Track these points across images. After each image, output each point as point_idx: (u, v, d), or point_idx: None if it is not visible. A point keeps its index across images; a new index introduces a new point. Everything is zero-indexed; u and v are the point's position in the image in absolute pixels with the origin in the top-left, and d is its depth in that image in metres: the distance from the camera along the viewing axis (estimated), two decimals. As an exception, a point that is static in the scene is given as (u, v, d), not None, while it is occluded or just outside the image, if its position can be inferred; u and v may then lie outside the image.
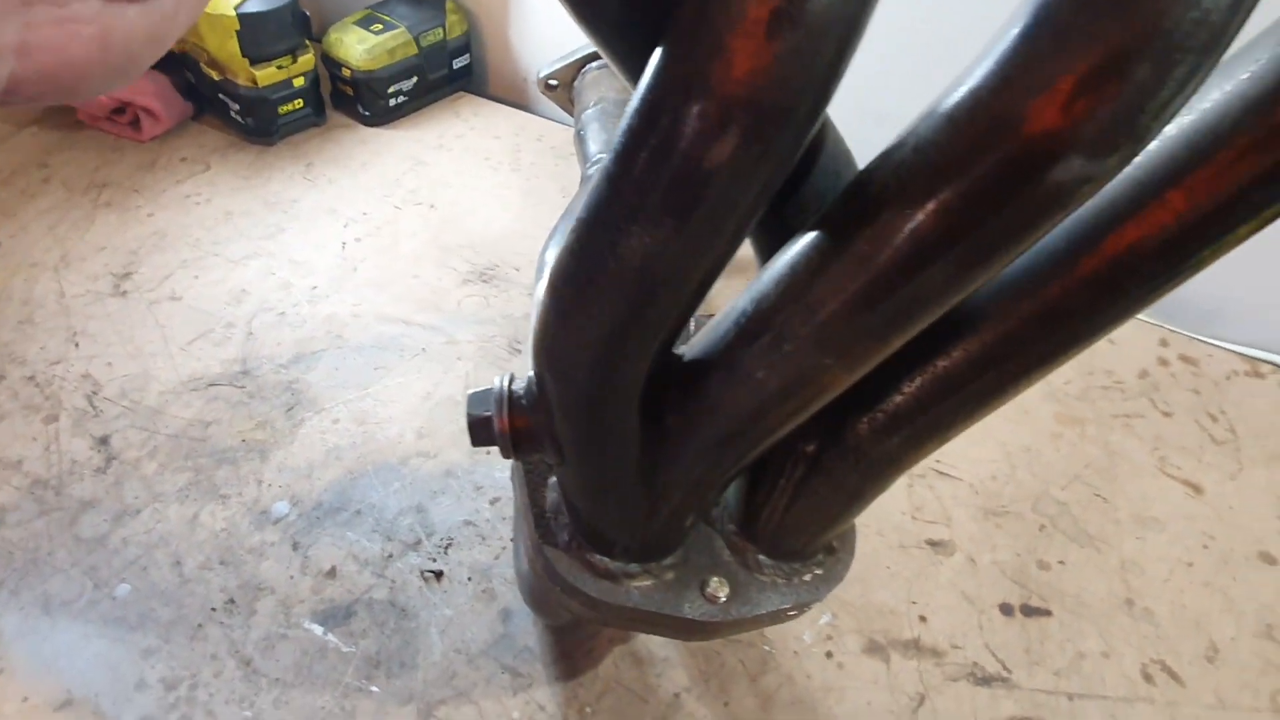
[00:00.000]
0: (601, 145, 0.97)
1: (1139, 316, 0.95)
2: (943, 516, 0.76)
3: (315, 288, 0.96)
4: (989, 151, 0.28)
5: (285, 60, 1.10)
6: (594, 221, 0.33)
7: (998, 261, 0.31)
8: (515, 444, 0.42)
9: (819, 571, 0.50)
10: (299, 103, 1.14)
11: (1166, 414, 0.86)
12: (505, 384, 0.43)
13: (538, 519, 0.48)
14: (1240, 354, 0.92)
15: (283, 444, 0.80)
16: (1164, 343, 0.93)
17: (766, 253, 0.43)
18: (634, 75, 0.35)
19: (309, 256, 1.00)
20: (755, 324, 0.36)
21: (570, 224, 0.35)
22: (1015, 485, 0.79)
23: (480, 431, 0.42)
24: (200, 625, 0.67)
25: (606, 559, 0.47)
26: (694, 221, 0.31)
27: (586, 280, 0.34)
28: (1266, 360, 0.91)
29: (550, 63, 1.00)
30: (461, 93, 1.29)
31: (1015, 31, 0.27)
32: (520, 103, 1.29)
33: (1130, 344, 0.93)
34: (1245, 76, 0.33)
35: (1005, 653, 0.67)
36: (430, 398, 0.85)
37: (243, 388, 0.85)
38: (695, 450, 0.41)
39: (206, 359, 0.88)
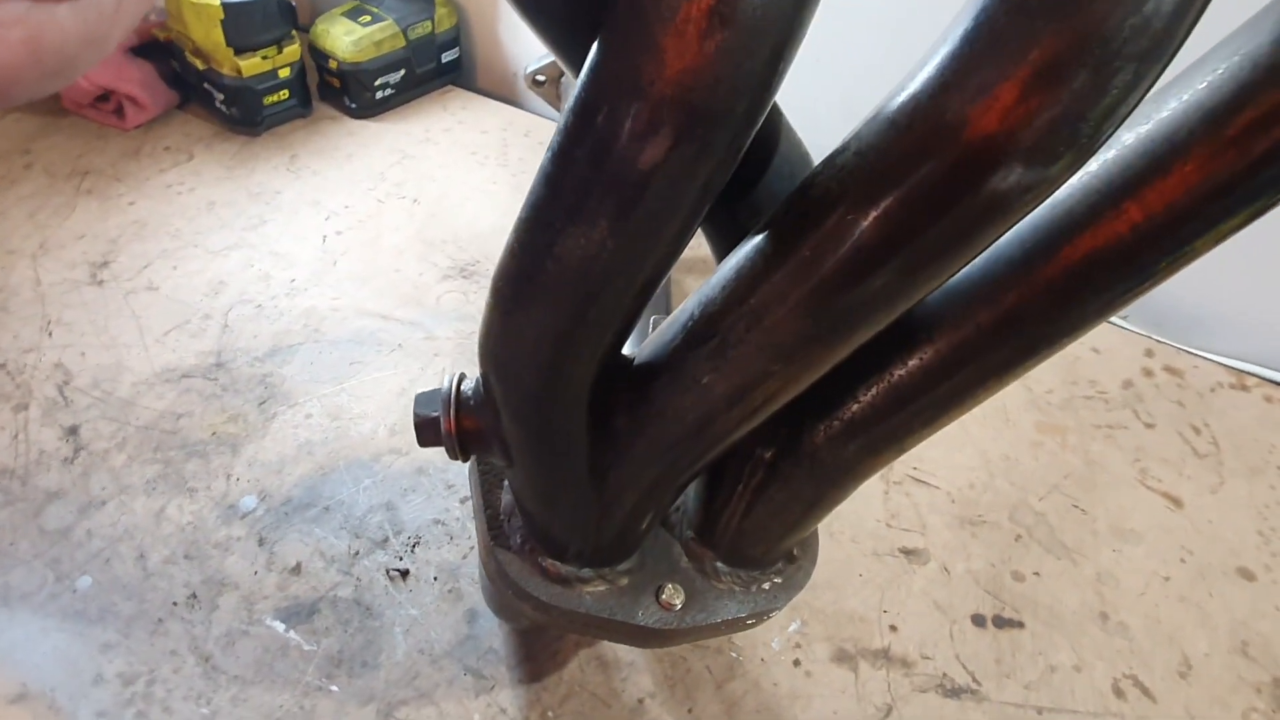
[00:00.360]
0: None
1: (1124, 325, 0.94)
2: (918, 524, 0.75)
3: (294, 280, 0.95)
4: (928, 157, 0.27)
5: (270, 51, 1.09)
6: (532, 221, 0.33)
7: (943, 269, 0.31)
8: (462, 445, 0.41)
9: (778, 580, 0.49)
10: (284, 94, 1.13)
11: (1149, 425, 0.85)
12: (453, 384, 0.42)
13: (491, 521, 0.47)
14: (1226, 366, 0.91)
15: (254, 438, 0.80)
16: (1149, 353, 0.92)
17: (721, 254, 0.42)
18: (577, 70, 0.35)
19: (290, 248, 0.99)
20: (701, 328, 0.35)
21: (512, 227, 0.35)
22: (993, 494, 0.78)
23: (427, 432, 0.41)
24: (161, 620, 0.66)
25: (559, 563, 0.46)
26: (631, 223, 0.30)
27: (526, 280, 0.34)
28: (1252, 373, 0.90)
29: (538, 58, 0.99)
30: (450, 86, 1.28)
31: (955, 35, 0.27)
32: (509, 98, 1.28)
33: (1115, 353, 0.92)
34: (1202, 86, 0.32)
35: (976, 664, 0.66)
36: (405, 394, 0.84)
37: (216, 380, 0.84)
38: (645, 453, 0.40)
39: (181, 350, 0.87)
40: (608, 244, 0.31)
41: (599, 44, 0.28)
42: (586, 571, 0.46)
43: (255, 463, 0.78)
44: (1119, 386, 0.89)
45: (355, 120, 1.19)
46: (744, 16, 0.26)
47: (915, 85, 0.28)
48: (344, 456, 0.79)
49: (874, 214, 0.29)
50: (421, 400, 0.42)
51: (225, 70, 1.08)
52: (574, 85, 0.30)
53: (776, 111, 0.39)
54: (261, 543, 0.72)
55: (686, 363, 0.36)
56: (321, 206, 1.05)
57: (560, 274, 0.32)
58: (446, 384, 0.42)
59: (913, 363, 0.39)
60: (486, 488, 0.48)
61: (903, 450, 0.43)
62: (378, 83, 1.17)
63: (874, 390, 0.41)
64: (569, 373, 0.36)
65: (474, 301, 0.94)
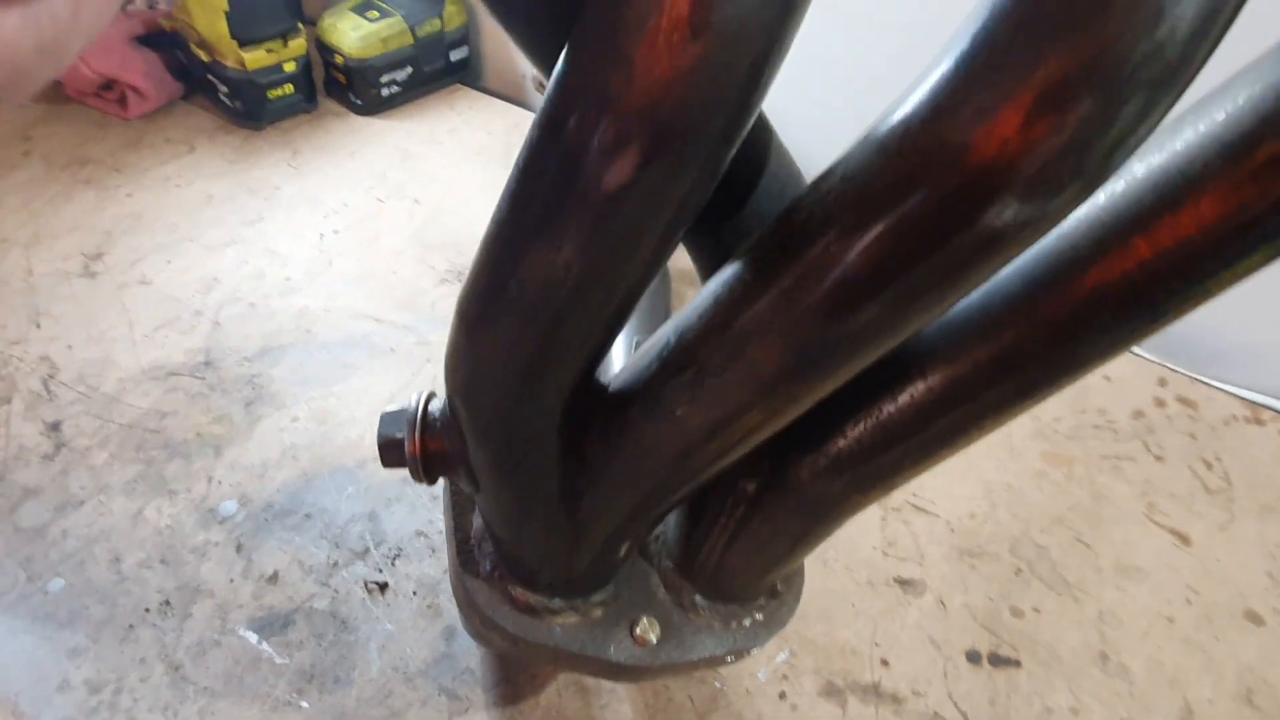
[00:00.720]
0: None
1: (1137, 353, 0.91)
2: (915, 554, 0.73)
3: (289, 279, 0.94)
4: (920, 186, 0.25)
5: (276, 44, 1.08)
6: (497, 239, 0.31)
7: (934, 305, 0.28)
8: (427, 468, 0.39)
9: (759, 616, 0.47)
10: (289, 88, 1.12)
11: (1159, 458, 0.82)
12: (420, 403, 0.40)
13: (460, 546, 0.45)
14: (1241, 398, 0.88)
15: (238, 440, 0.78)
16: (1162, 382, 0.90)
17: (706, 275, 0.40)
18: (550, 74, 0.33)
19: (286, 246, 0.98)
20: (677, 356, 0.33)
21: (478, 246, 0.33)
22: (994, 525, 0.76)
23: (390, 453, 0.39)
24: (132, 626, 0.64)
25: (529, 592, 0.44)
26: (599, 245, 0.28)
27: (491, 301, 0.32)
28: (1268, 406, 0.87)
29: (545, 60, 0.97)
30: (458, 85, 1.26)
31: (952, 54, 0.24)
32: (517, 99, 1.27)
33: (1126, 382, 0.89)
34: (1221, 118, 0.30)
35: (968, 704, 0.64)
36: (396, 399, 0.82)
37: (203, 379, 0.83)
38: (619, 483, 0.38)
39: (170, 347, 0.86)
40: (574, 266, 0.29)
41: (566, 53, 0.26)
42: (557, 601, 0.44)
43: (238, 466, 0.76)
44: (1129, 416, 0.86)
45: (360, 117, 1.18)
46: (720, 27, 0.23)
47: (908, 107, 0.25)
48: (329, 462, 0.77)
49: (860, 244, 0.27)
50: (387, 420, 0.40)
51: (229, 63, 1.07)
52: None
53: (765, 127, 0.37)
54: (239, 549, 0.70)
55: (662, 392, 0.34)
56: (321, 204, 1.04)
57: (525, 296, 0.30)
58: (413, 403, 0.40)
59: (904, 399, 0.37)
60: (458, 510, 0.46)
61: (892, 488, 0.41)
62: (383, 80, 1.16)
63: (862, 426, 0.38)
64: (537, 398, 0.34)
65: (470, 307, 0.92)
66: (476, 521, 0.46)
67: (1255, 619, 0.70)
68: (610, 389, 0.37)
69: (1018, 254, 0.27)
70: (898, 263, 0.27)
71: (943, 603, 0.70)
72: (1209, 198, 0.30)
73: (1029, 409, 0.37)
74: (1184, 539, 0.76)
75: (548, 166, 0.27)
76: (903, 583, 0.71)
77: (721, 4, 0.23)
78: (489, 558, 0.44)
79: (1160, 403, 0.88)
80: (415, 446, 0.39)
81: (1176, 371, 0.91)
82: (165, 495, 0.73)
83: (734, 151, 0.27)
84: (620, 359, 0.73)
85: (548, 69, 0.32)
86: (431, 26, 1.17)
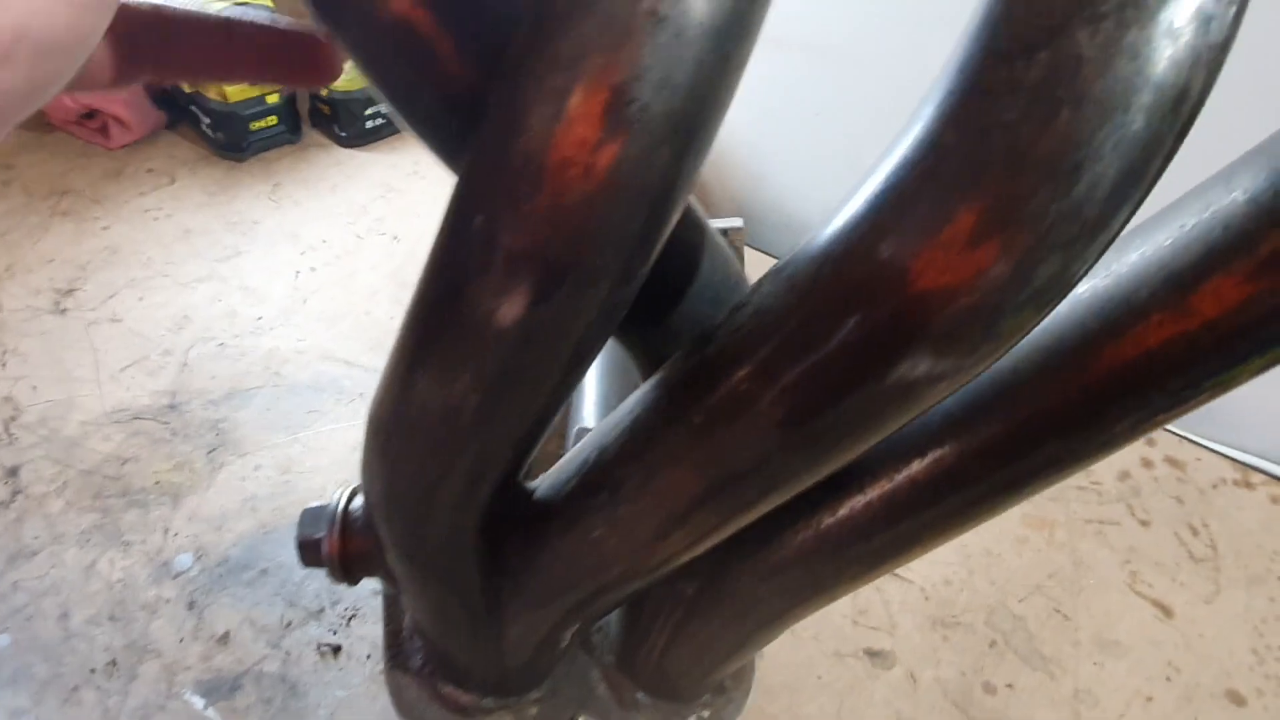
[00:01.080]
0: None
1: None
2: (887, 623, 0.71)
3: (261, 318, 0.92)
4: (828, 335, 0.23)
5: (259, 77, 1.07)
6: (398, 357, 0.29)
7: (848, 451, 0.26)
8: (346, 569, 0.38)
9: (705, 714, 0.45)
10: (273, 119, 1.11)
11: (1144, 523, 0.80)
12: (342, 502, 0.38)
13: (390, 639, 0.43)
14: (1232, 459, 0.86)
15: (198, 489, 0.76)
16: (1150, 441, 0.87)
17: (645, 374, 0.39)
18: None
19: (261, 284, 0.96)
20: (595, 476, 0.31)
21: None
22: (970, 593, 0.73)
23: (308, 553, 0.38)
24: (76, 688, 0.63)
25: (460, 691, 0.42)
26: (494, 381, 0.26)
27: (396, 418, 0.30)
28: (1259, 468, 0.85)
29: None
30: (447, 117, 1.25)
31: (861, 200, 0.23)
32: (507, 131, 1.25)
33: (1114, 439, 0.87)
34: (1167, 243, 0.28)
35: (935, 787, 0.62)
36: (360, 449, 0.81)
37: (167, 424, 0.81)
38: (541, 595, 0.36)
39: (136, 389, 0.84)
40: (470, 399, 0.27)
41: (457, 184, 0.25)
42: (489, 701, 0.42)
43: (196, 516, 0.74)
44: (1115, 478, 0.84)
45: (344, 149, 1.17)
46: (611, 171, 0.22)
47: (820, 243, 0.24)
48: (289, 514, 0.75)
49: (768, 388, 0.25)
50: (307, 518, 0.38)
51: (211, 94, 1.06)
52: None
53: (697, 227, 0.35)
54: (191, 606, 0.68)
55: (579, 512, 0.32)
56: (299, 240, 1.02)
57: (425, 422, 0.28)
58: (334, 500, 0.38)
59: (842, 512, 0.35)
60: (389, 601, 0.44)
61: (835, 598, 0.39)
62: (369, 112, 1.14)
63: (802, 536, 0.36)
64: (448, 513, 0.32)
65: (443, 350, 0.91)
66: (409, 614, 0.44)
67: (1237, 699, 0.68)
68: (534, 496, 0.35)
69: (936, 403, 0.25)
70: (806, 410, 0.25)
71: (913, 676, 0.67)
72: (1153, 328, 0.28)
73: (981, 523, 0.35)
74: (1167, 611, 0.73)
75: (439, 297, 0.25)
76: (872, 654, 0.69)
77: (612, 147, 0.21)
78: (419, 653, 0.43)
79: (1148, 463, 0.85)
80: (334, 547, 0.37)
81: (1166, 430, 0.88)
82: (120, 547, 0.72)
83: (636, 288, 0.25)
84: (590, 411, 0.71)
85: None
86: None
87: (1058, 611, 0.72)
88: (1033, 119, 0.20)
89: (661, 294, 0.34)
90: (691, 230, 0.34)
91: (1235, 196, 0.27)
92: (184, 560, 0.71)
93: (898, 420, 0.25)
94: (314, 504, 0.39)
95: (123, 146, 1.12)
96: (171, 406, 0.83)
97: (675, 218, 0.24)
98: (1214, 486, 0.83)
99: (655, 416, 0.29)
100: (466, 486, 0.31)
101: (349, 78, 1.05)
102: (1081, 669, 0.69)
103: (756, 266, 0.96)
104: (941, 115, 0.21)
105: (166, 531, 0.73)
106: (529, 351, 0.25)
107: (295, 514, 0.73)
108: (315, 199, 1.08)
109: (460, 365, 0.26)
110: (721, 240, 0.36)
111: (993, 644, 0.70)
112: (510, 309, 0.24)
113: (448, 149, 0.30)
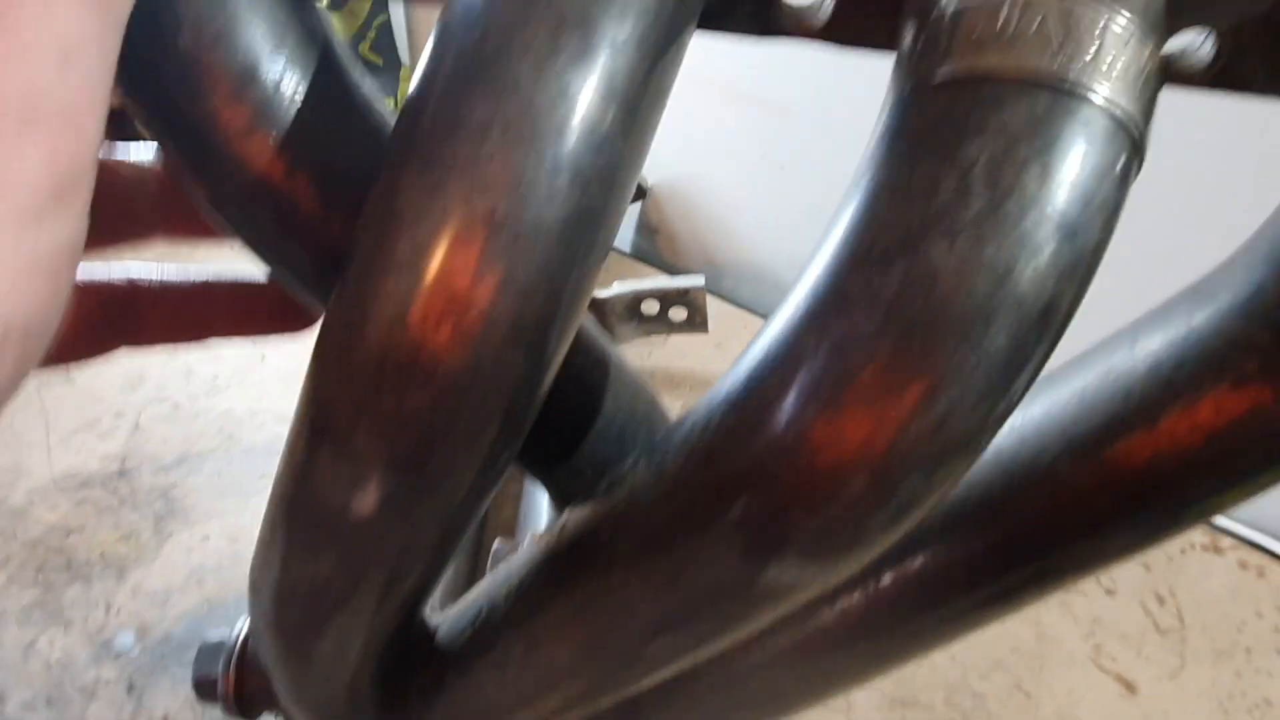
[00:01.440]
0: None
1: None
2: (842, 704, 0.69)
3: (217, 377, 0.91)
4: (690, 533, 0.22)
5: (222, 127, 1.06)
6: (265, 525, 0.28)
7: (718, 641, 0.25)
8: (242, 708, 0.36)
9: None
10: (238, 169, 1.10)
11: (1110, 591, 0.79)
12: (239, 635, 0.37)
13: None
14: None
15: (145, 561, 0.75)
16: (1118, 503, 0.86)
17: (554, 504, 0.37)
18: None
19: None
20: (486, 634, 0.30)
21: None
22: (930, 669, 0.72)
23: (205, 691, 0.36)
24: (6, 779, 0.61)
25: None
26: (360, 563, 0.25)
27: (266, 585, 0.29)
28: (1228, 531, 0.84)
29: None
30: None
31: (724, 395, 0.22)
32: (477, 176, 1.24)
33: (1081, 501, 0.86)
34: (1072, 403, 0.27)
35: None
36: (312, 516, 0.79)
37: (116, 491, 0.80)
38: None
39: (85, 454, 0.83)
40: (336, 579, 0.26)
41: (311, 360, 0.24)
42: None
43: (140, 591, 0.73)
44: (1081, 543, 0.82)
45: (311, 197, 1.16)
46: (458, 378, 0.21)
47: (684, 433, 0.23)
48: (235, 587, 0.74)
49: (633, 579, 0.24)
50: (204, 654, 0.37)
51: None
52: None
53: (599, 366, 0.34)
54: (130, 689, 0.66)
55: (472, 664, 0.31)
56: (261, 293, 1.01)
57: (292, 594, 0.27)
58: (233, 633, 0.37)
59: (754, 653, 0.34)
60: None
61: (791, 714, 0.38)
62: (336, 160, 1.13)
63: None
64: (334, 671, 0.31)
65: (402, 411, 0.89)
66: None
67: (1202, 783, 0.66)
68: (436, 637, 0.34)
69: (809, 598, 0.24)
70: (668, 607, 0.24)
71: (870, 760, 0.66)
72: (1056, 497, 0.27)
73: (891, 670, 0.34)
74: (1130, 687, 0.72)
75: (288, 478, 0.24)
76: (829, 738, 0.67)
77: (457, 354, 0.20)
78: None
79: (1115, 528, 0.84)
80: (230, 685, 0.36)
81: (1134, 491, 0.87)
82: (61, 625, 0.70)
83: (506, 462, 0.24)
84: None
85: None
86: (386, 105, 1.15)
87: (1019, 689, 0.71)
88: (889, 335, 0.19)
89: (561, 436, 0.32)
90: (595, 369, 0.33)
91: (1135, 365, 0.26)
92: (125, 639, 0.69)
93: (769, 617, 0.24)
94: (212, 637, 0.37)
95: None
96: (121, 473, 0.81)
97: (536, 408, 0.23)
98: (1182, 552, 0.82)
99: (540, 587, 0.27)
100: (350, 648, 0.30)
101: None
102: (1042, 751, 0.67)
103: (723, 319, 0.94)
104: (797, 321, 0.20)
105: (109, 608, 0.71)
106: (390, 538, 0.24)
107: (242, 588, 0.72)
108: (279, 250, 1.07)
109: (321, 549, 0.25)
110: (630, 371, 0.35)
111: (952, 724, 0.68)
112: (363, 503, 0.23)
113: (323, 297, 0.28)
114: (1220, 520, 0.84)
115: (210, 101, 0.24)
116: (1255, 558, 0.81)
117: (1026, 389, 0.20)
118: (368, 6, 1.07)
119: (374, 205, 0.21)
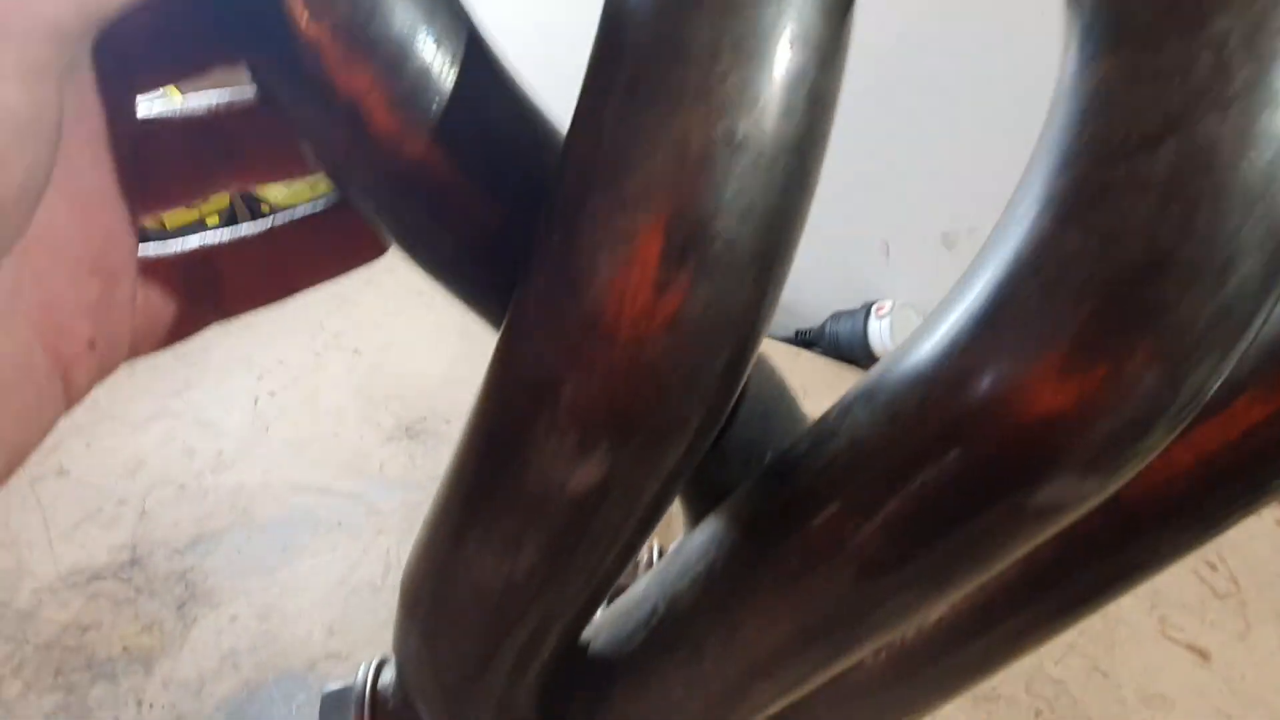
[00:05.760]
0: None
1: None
2: (926, 707, 0.67)
3: (221, 453, 0.87)
4: (944, 463, 0.21)
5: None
6: (442, 533, 0.25)
7: (966, 583, 0.24)
8: (381, 759, 0.33)
9: None
10: (215, 242, 1.07)
11: (1161, 563, 0.78)
12: (369, 679, 0.34)
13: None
14: (1231, 486, 0.85)
15: (171, 650, 0.70)
16: (1149, 477, 0.86)
17: (689, 509, 0.36)
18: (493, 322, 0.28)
19: (217, 416, 0.91)
20: (669, 631, 0.28)
21: (424, 519, 0.27)
22: (1004, 661, 0.70)
23: (335, 743, 0.33)
24: None
25: None
26: (561, 550, 0.23)
27: (440, 599, 0.26)
28: (1260, 492, 0.84)
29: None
30: (395, 221, 1.22)
31: (975, 307, 0.20)
32: (457, 229, 1.23)
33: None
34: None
35: None
36: (345, 583, 0.75)
37: (129, 581, 0.75)
38: (608, 763, 0.32)
39: (91, 546, 0.78)
40: (537, 571, 0.24)
41: (504, 334, 0.22)
42: None
43: (171, 682, 0.68)
44: (1123, 519, 0.82)
45: (292, 264, 1.13)
46: (698, 317, 0.19)
47: (925, 366, 0.21)
48: (274, 667, 0.69)
49: (876, 523, 0.22)
50: (330, 704, 0.34)
51: (148, 223, 1.01)
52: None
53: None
54: (176, 787, 0.62)
55: (651, 669, 0.29)
56: (254, 363, 0.98)
57: (480, 596, 0.25)
58: (360, 679, 0.34)
59: (927, 625, 0.33)
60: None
61: (919, 717, 0.36)
62: (315, 224, 1.11)
63: (883, 655, 0.33)
64: (501, 687, 0.29)
65: (421, 466, 0.86)
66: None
67: (1293, 741, 0.65)
68: (591, 651, 0.31)
69: (1065, 525, 0.22)
70: (920, 543, 0.22)
71: (964, 761, 0.64)
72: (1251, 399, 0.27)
73: (1069, 628, 0.33)
74: (1203, 655, 0.71)
75: (496, 464, 0.22)
76: (918, 743, 0.65)
77: (696, 290, 0.19)
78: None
79: (1152, 501, 0.84)
80: (364, 734, 0.33)
81: (1162, 464, 0.88)
82: (89, 728, 0.65)
83: (718, 429, 0.23)
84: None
85: (492, 319, 0.28)
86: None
87: (1097, 670, 0.70)
88: (1170, 217, 0.18)
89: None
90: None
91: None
92: (162, 735, 0.64)
93: (1025, 547, 0.22)
94: (332, 686, 0.34)
95: (56, 285, 1.06)
96: (133, 561, 0.76)
97: (757, 351, 0.22)
98: (1221, 517, 0.82)
99: (739, 565, 0.25)
100: (526, 659, 0.27)
101: (290, 190, 1.01)
102: (1133, 730, 0.66)
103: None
104: (1057, 219, 0.19)
105: (140, 703, 0.66)
106: (604, 515, 0.22)
107: (281, 667, 0.68)
108: (266, 319, 1.03)
109: (525, 537, 0.23)
110: (762, 353, 0.34)
111: (1038, 713, 0.67)
112: (587, 475, 0.21)
113: (474, 297, 0.27)
114: (1249, 483, 0.85)
115: (363, 79, 0.22)
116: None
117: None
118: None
119: (584, 147, 0.20)
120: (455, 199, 0.24)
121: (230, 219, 1.08)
